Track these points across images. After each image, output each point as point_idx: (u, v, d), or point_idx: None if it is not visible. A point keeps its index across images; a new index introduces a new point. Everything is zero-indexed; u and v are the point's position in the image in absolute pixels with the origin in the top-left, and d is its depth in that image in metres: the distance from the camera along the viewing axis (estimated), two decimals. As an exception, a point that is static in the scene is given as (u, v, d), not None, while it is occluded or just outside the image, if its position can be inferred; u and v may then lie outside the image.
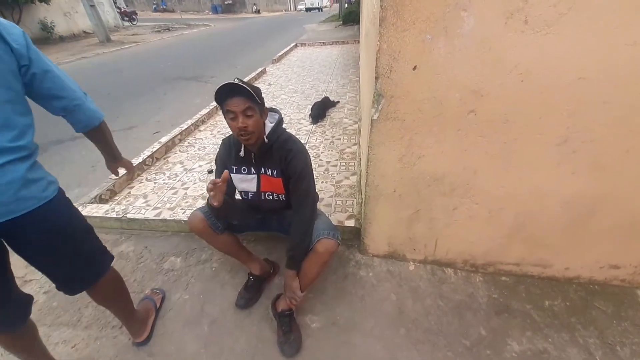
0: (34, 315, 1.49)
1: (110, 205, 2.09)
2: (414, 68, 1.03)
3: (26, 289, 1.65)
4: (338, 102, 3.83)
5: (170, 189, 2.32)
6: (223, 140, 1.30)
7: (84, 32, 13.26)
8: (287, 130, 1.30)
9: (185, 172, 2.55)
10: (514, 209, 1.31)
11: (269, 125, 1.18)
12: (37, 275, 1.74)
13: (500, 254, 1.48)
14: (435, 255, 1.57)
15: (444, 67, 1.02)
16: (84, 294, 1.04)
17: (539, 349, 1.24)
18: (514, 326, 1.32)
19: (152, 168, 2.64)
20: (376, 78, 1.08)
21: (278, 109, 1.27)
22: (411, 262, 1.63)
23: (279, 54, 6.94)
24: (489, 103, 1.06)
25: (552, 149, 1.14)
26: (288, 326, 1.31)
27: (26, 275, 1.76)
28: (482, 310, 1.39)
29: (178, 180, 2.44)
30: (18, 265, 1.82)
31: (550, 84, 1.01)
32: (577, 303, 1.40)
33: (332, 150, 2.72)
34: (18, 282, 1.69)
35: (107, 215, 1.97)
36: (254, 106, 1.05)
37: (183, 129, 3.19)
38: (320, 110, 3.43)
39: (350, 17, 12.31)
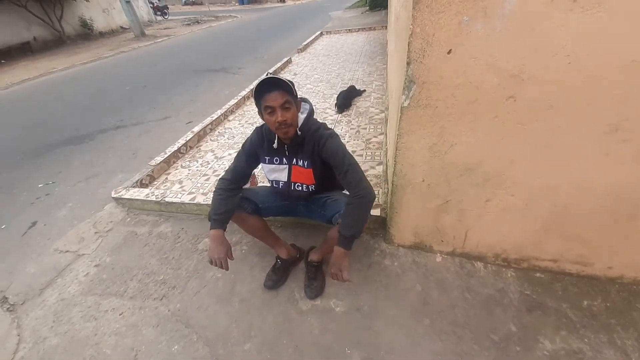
0: (86, 286, 1.69)
1: (150, 190, 2.25)
2: (449, 52, 0.99)
3: (79, 263, 1.86)
4: (364, 90, 3.76)
5: (202, 176, 2.44)
6: (256, 128, 1.33)
7: (121, 27, 13.99)
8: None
9: (216, 160, 2.67)
10: (553, 201, 1.24)
11: (301, 117, 1.20)
12: (89, 250, 1.94)
13: (535, 249, 1.41)
14: (464, 247, 1.53)
15: (481, 50, 0.97)
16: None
17: (574, 349, 1.19)
18: (548, 324, 1.27)
19: (186, 156, 2.79)
20: (408, 63, 1.06)
21: (308, 99, 1.29)
22: (438, 254, 1.60)
23: (305, 43, 6.89)
24: (530, 88, 1.00)
25: (600, 138, 1.05)
26: (314, 274, 1.49)
27: (79, 250, 1.96)
28: (512, 306, 1.35)
29: (210, 167, 2.56)
30: (72, 240, 2.05)
31: (600, 67, 0.93)
32: (619, 304, 1.31)
33: (357, 140, 2.71)
34: (71, 256, 1.91)
35: (147, 199, 2.13)
36: (291, 99, 1.09)
37: (213, 119, 3.32)
38: (346, 100, 3.40)
39: (377, 1, 11.84)
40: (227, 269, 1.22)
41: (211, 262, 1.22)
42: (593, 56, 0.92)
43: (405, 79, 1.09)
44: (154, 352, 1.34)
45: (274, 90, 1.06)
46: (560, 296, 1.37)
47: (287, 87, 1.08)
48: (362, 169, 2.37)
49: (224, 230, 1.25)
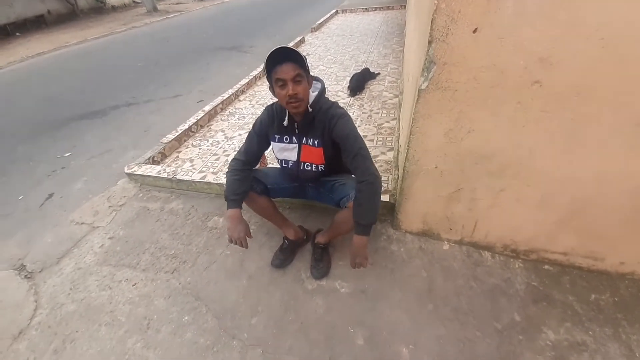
0: (101, 257, 1.76)
1: (162, 167, 2.28)
2: (475, 31, 0.93)
3: (94, 234, 1.92)
4: (378, 74, 3.65)
5: (213, 155, 2.46)
6: (267, 107, 1.32)
7: (133, 1, 13.77)
8: None
9: (226, 140, 2.67)
10: (571, 194, 1.20)
11: (312, 95, 1.18)
12: (104, 222, 2.01)
13: (546, 242, 1.38)
14: (473, 237, 1.51)
15: (510, 30, 0.91)
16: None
17: (577, 341, 1.19)
18: (553, 316, 1.27)
19: (197, 135, 2.80)
20: (429, 42, 1.00)
21: (320, 78, 1.26)
22: (445, 242, 1.60)
23: (319, 22, 6.66)
24: (559, 73, 0.94)
25: (628, 129, 1.00)
26: (320, 255, 1.52)
27: (94, 222, 2.02)
28: (518, 297, 1.34)
29: (220, 147, 2.56)
30: (87, 212, 2.11)
31: (635, 52, 0.87)
32: (627, 299, 1.30)
33: (369, 125, 2.65)
34: (86, 228, 1.98)
35: (159, 176, 2.16)
36: (303, 73, 1.07)
37: (224, 98, 3.29)
38: (359, 83, 3.30)
39: (397, -20, 11.24)
40: (247, 247, 1.24)
41: (231, 241, 1.24)
42: (629, 41, 0.86)
43: (426, 59, 1.04)
44: (166, 321, 1.40)
45: (286, 62, 1.04)
46: (567, 289, 1.36)
47: (299, 60, 1.05)
48: (373, 154, 2.34)
49: (241, 209, 1.28)
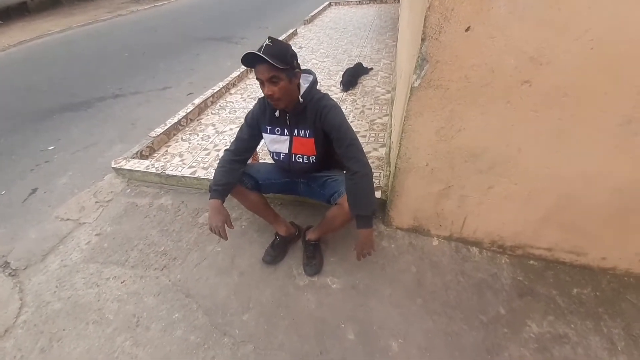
0: (88, 254, 1.72)
1: (150, 162, 2.23)
2: (467, 29, 0.93)
3: (80, 231, 1.88)
4: (371, 68, 3.63)
5: (203, 150, 2.41)
6: (259, 99, 1.32)
7: (119, -13, 13.26)
8: None
9: (217, 134, 2.62)
10: (557, 192, 1.23)
11: (304, 86, 1.18)
12: (90, 219, 1.96)
13: (532, 238, 1.42)
14: (461, 233, 1.54)
15: (502, 29, 0.91)
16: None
17: (559, 334, 1.23)
18: (536, 309, 1.31)
19: (187, 129, 2.74)
20: (422, 40, 1.00)
21: (312, 70, 1.25)
22: (435, 238, 1.62)
23: (312, 14, 6.55)
24: (548, 73, 0.95)
25: (612, 130, 1.02)
26: (312, 253, 1.52)
27: (80, 219, 1.97)
28: (504, 291, 1.38)
29: (210, 142, 2.52)
30: (73, 208, 2.06)
31: (624, 54, 0.88)
32: (608, 294, 1.35)
33: (361, 120, 2.65)
34: (72, 224, 1.93)
35: (147, 171, 2.12)
36: (278, 74, 1.05)
37: (215, 91, 3.22)
38: (352, 77, 3.28)
39: (391, -28, 11.11)
40: (225, 237, 1.23)
41: (211, 230, 1.23)
42: (617, 42, 0.87)
43: (418, 57, 1.04)
44: (155, 318, 1.38)
45: (260, 63, 1.04)
46: (551, 283, 1.40)
47: (272, 63, 1.01)
48: (365, 150, 2.33)
49: (223, 201, 1.27)
